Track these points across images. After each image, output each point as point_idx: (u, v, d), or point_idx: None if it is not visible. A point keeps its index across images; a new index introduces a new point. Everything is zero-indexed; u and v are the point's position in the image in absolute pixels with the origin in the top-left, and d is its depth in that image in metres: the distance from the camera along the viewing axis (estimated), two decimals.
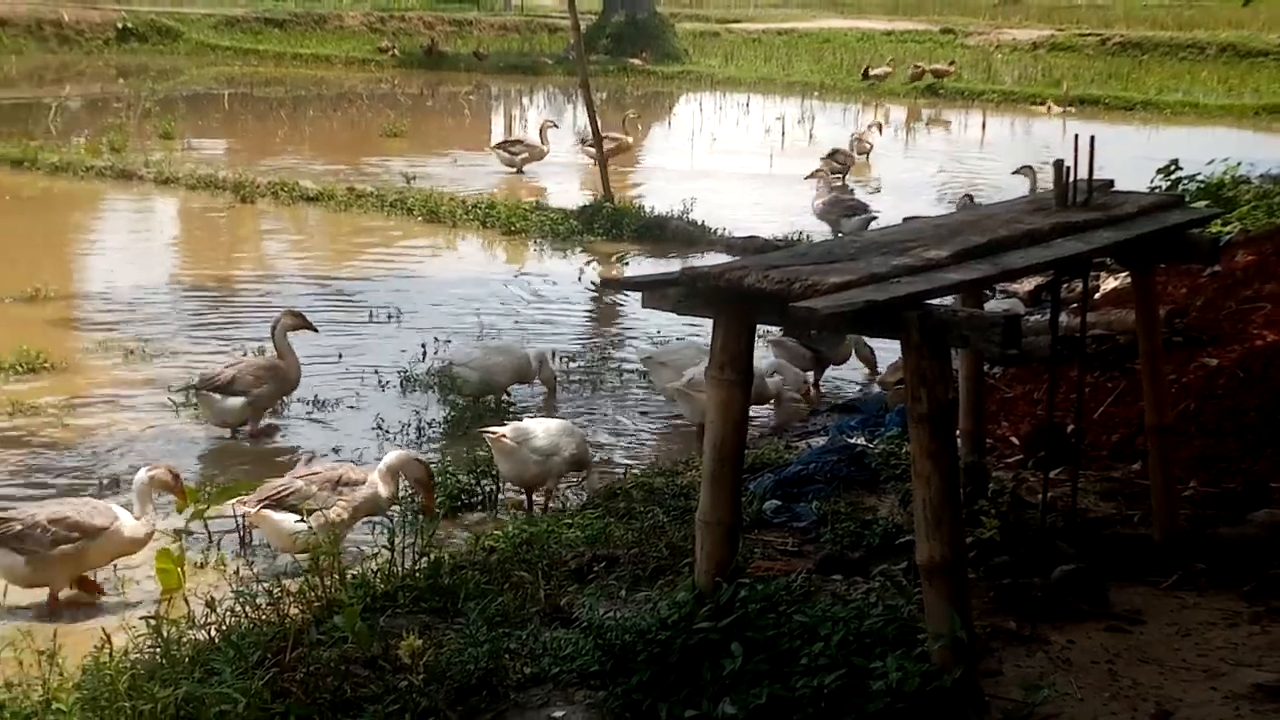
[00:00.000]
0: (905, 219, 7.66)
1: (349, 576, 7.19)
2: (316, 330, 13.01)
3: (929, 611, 5.73)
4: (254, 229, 22.18)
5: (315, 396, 12.57)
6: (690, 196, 21.54)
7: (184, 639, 6.43)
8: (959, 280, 5.88)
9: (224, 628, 6.54)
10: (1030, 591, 6.82)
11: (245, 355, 13.04)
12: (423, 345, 14.04)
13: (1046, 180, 19.69)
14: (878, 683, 5.55)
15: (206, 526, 9.30)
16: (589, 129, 24.09)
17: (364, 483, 9.26)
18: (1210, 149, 20.26)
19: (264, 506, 8.96)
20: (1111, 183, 7.78)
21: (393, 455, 9.44)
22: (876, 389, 13.03)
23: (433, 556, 7.38)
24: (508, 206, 21.84)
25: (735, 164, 28.75)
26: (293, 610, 6.79)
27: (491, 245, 20.74)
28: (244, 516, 9.17)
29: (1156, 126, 36.84)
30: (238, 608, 6.74)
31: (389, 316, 15.76)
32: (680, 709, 5.78)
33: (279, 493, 9.03)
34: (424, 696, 5.85)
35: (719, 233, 20.51)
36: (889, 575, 7.03)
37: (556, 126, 30.18)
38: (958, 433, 8.27)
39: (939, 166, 28.90)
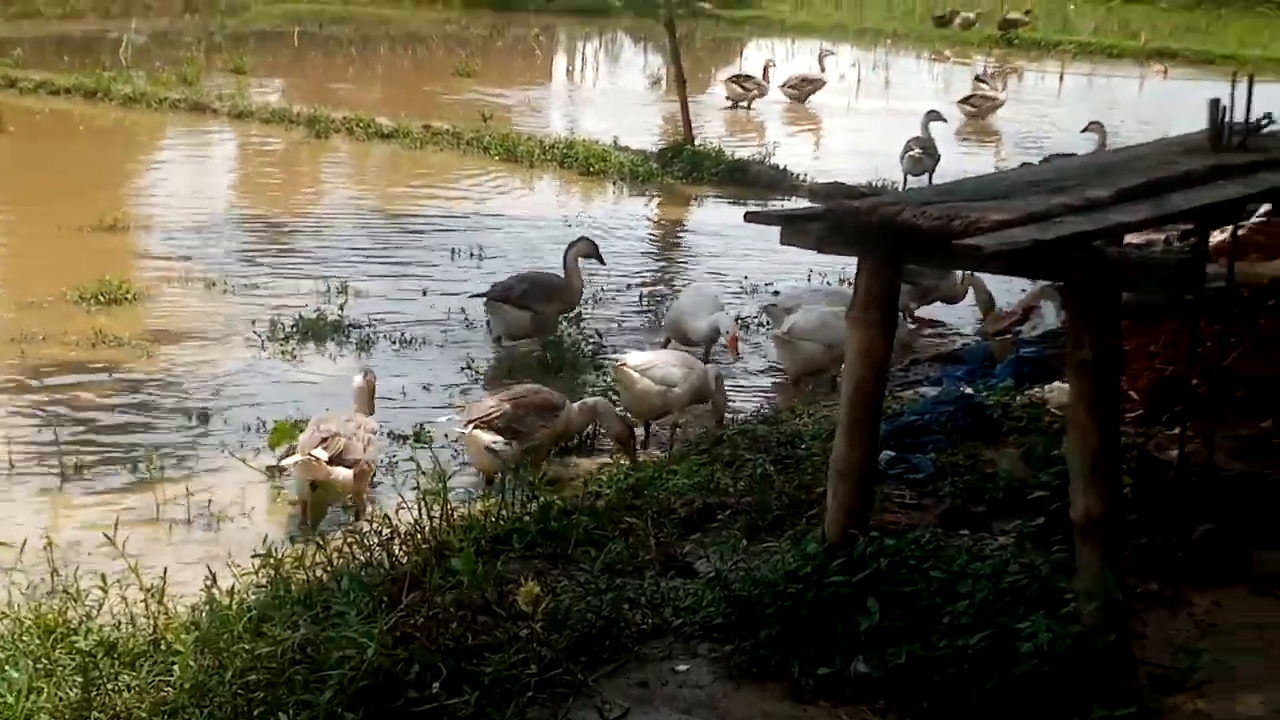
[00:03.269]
0: (1047, 158, 7.30)
1: (457, 518, 6.93)
2: (604, 263, 13.45)
3: (1081, 570, 5.42)
4: (329, 165, 21.95)
5: (403, 334, 12.31)
6: (772, 140, 21.16)
7: (294, 578, 6.19)
8: (1123, 221, 5.52)
9: (333, 568, 6.30)
10: (1170, 552, 6.49)
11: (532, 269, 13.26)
12: (471, 296, 13.75)
13: (1116, 139, 19.40)
14: (1025, 644, 5.24)
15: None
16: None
17: (563, 409, 9.34)
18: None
19: (475, 427, 8.96)
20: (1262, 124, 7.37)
21: (598, 401, 9.68)
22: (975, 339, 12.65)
23: (542, 500, 7.11)
24: (586, 147, 21.50)
25: (811, 110, 28.31)
26: (399, 552, 6.56)
27: (570, 185, 20.42)
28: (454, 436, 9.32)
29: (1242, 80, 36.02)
30: (347, 548, 6.50)
31: (471, 255, 15.49)
32: (812, 665, 5.50)
33: (489, 415, 9.02)
34: (544, 646, 5.58)
35: (801, 178, 20.15)
36: (1022, 531, 6.69)
37: (775, 66, 30.24)
38: None
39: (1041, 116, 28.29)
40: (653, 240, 17.94)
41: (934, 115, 20.55)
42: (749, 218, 5.96)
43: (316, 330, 12.16)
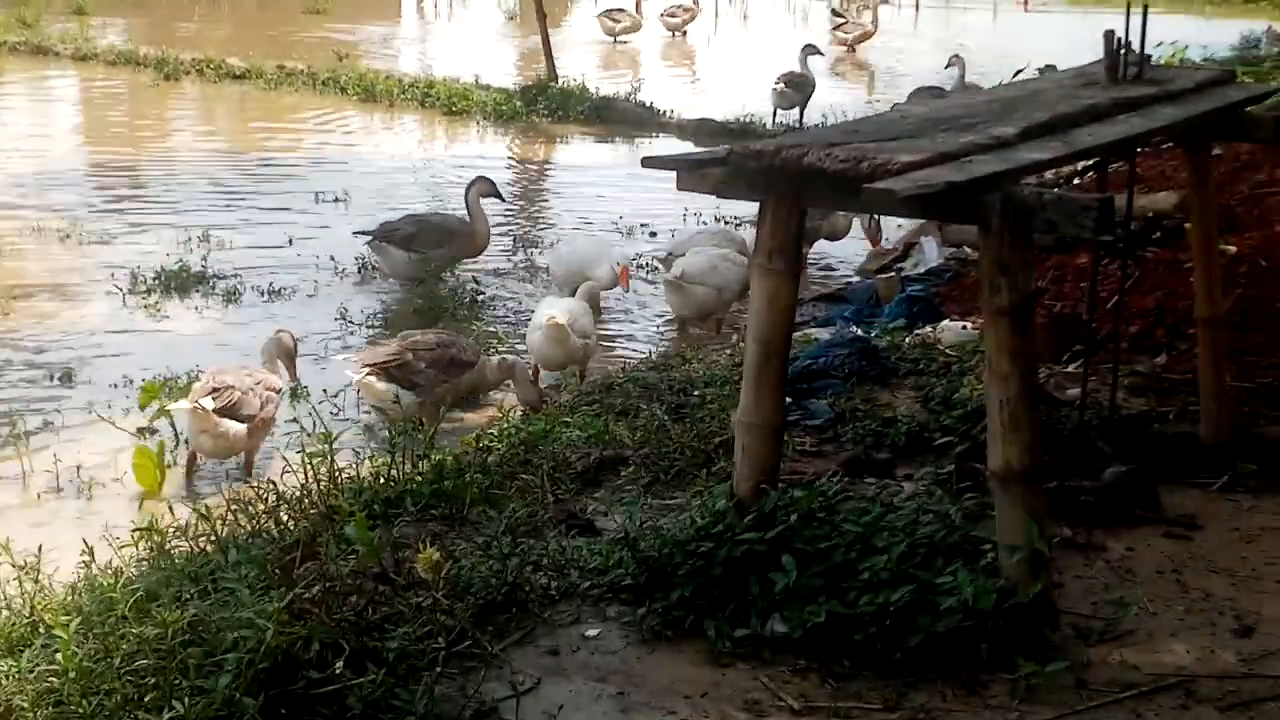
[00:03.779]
0: (914, 91, 7.12)
1: (345, 480, 6.63)
2: (504, 200, 13.25)
3: (1002, 521, 5.26)
4: (181, 108, 21.29)
5: (270, 284, 11.92)
6: (636, 77, 20.88)
7: (176, 551, 5.87)
8: (1036, 160, 5.36)
9: (218, 539, 5.97)
10: (1080, 495, 6.38)
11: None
12: (355, 233, 13.35)
13: (979, 74, 19.39)
14: (948, 599, 5.09)
15: (173, 425, 8.67)
16: None
17: (473, 365, 9.09)
18: (1155, 35, 19.73)
19: (370, 372, 8.67)
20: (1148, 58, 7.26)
21: (516, 361, 9.50)
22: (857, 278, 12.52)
23: (434, 459, 6.83)
24: (447, 86, 21.07)
25: (662, 44, 28.04)
26: (286, 519, 6.26)
27: (432, 125, 20.00)
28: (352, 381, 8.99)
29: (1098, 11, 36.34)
30: (231, 516, 6.17)
31: (335, 200, 15.08)
32: (729, 627, 5.31)
33: (385, 361, 8.74)
34: (449, 615, 5.32)
35: (668, 114, 19.91)
36: (933, 479, 6.54)
37: None
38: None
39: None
40: (522, 181, 17.60)
41: (811, 49, 20.40)
42: (647, 162, 5.70)
43: (180, 282, 11.75)
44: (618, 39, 27.48)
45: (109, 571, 5.65)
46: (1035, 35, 28.99)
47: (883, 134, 5.63)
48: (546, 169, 18.22)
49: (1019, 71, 19.21)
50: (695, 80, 23.84)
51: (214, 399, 8.15)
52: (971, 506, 5.97)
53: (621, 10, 28.12)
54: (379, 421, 8.99)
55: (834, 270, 13.11)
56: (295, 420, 7.53)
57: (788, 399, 7.89)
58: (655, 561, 5.65)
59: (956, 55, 20.22)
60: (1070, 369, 8.06)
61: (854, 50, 26.72)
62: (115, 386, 9.53)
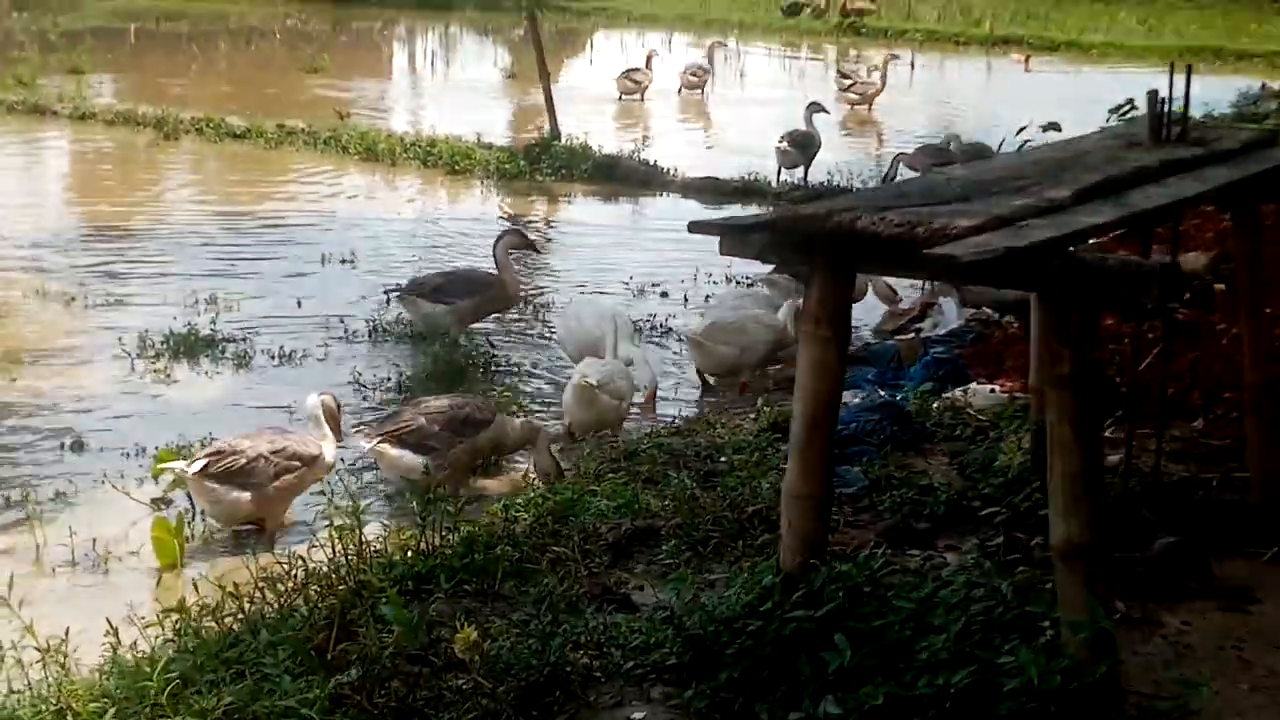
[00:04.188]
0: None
1: (374, 553, 6.44)
2: (539, 251, 13.42)
3: (1064, 598, 5.09)
4: (182, 168, 21.15)
5: (281, 348, 11.71)
6: (641, 135, 20.78)
7: (204, 630, 5.68)
8: (1093, 224, 5.19)
9: (247, 617, 5.78)
10: (1131, 568, 6.19)
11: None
12: (385, 291, 13.19)
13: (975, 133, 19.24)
14: (1010, 681, 4.89)
15: (189, 496, 8.47)
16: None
17: (489, 424, 8.87)
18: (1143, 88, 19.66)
19: (382, 441, 8.54)
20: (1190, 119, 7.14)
21: (542, 427, 9.29)
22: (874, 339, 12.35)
23: (463, 531, 6.65)
24: (449, 144, 20.96)
25: (669, 103, 28.01)
26: (315, 595, 6.07)
27: (435, 185, 19.86)
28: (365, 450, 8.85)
29: (1081, 67, 36.39)
30: (258, 592, 5.98)
31: (343, 260, 14.91)
32: (781, 710, 5.11)
33: (399, 429, 8.61)
34: (489, 698, 5.14)
35: (672, 173, 19.80)
36: (982, 552, 6.36)
37: (658, 55, 30.05)
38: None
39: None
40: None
41: (816, 107, 20.30)
42: (693, 228, 5.53)
43: (189, 346, 11.52)
44: (642, 98, 27.48)
45: (136, 654, 5.45)
46: (1032, 92, 28.99)
47: (932, 197, 5.49)
48: (553, 227, 18.06)
49: (1022, 129, 19.23)
50: (692, 139, 23.74)
51: (208, 463, 8.05)
52: (1021, 579, 5.79)
53: (638, 70, 28.11)
54: (402, 491, 8.80)
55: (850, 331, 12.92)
56: (322, 492, 7.28)
57: None
58: (701, 640, 5.47)
59: (955, 134, 20.13)
60: (1107, 433, 7.88)
61: (871, 108, 26.71)
62: (127, 455, 9.32)
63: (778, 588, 5.52)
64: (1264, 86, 23.86)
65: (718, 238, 5.67)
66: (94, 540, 7.92)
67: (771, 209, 5.55)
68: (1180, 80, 6.50)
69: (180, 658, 5.23)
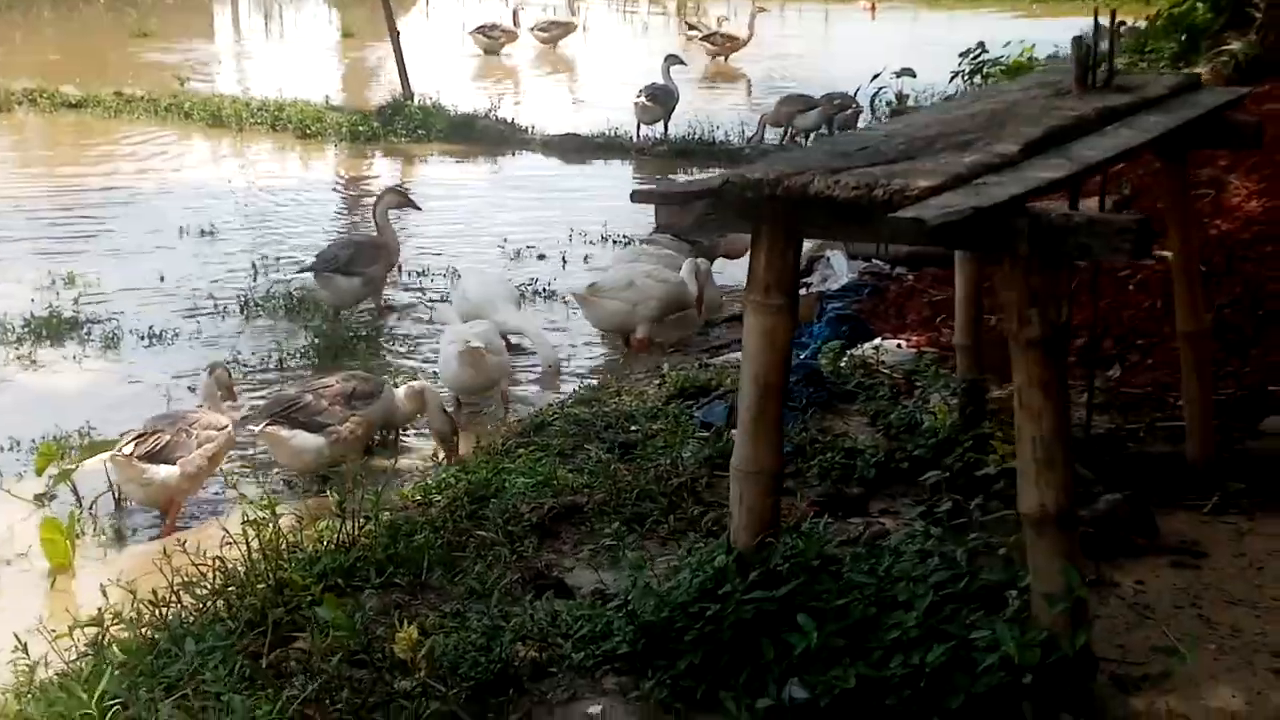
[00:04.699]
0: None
1: (287, 544, 6.08)
2: (420, 209, 13.06)
3: (1037, 568, 4.89)
4: (18, 140, 20.29)
5: (150, 328, 11.17)
6: (496, 93, 20.37)
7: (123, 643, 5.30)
8: (1050, 178, 4.97)
9: (166, 625, 5.41)
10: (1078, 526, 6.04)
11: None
12: (253, 264, 12.73)
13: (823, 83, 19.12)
14: (987, 657, 4.71)
15: (75, 489, 8.00)
16: None
17: (378, 395, 8.59)
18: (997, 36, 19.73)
19: (271, 423, 8.14)
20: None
21: (425, 385, 8.99)
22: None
23: (384, 519, 6.32)
24: (298, 108, 20.37)
25: (527, 59, 27.62)
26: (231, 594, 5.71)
27: (287, 150, 19.29)
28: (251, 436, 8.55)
29: (920, 11, 36.53)
30: (172, 596, 5.61)
31: (202, 231, 14.34)
32: (748, 697, 4.88)
33: (288, 407, 8.21)
34: (439, 700, 4.84)
35: (530, 131, 19.44)
36: (932, 517, 6.16)
37: (524, 9, 29.88)
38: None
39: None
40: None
41: (673, 59, 20.09)
42: (636, 197, 5.25)
43: (52, 329, 10.97)
44: (495, 54, 27.04)
45: (52, 671, 5.06)
46: (880, 40, 28.98)
47: (878, 156, 5.26)
48: (416, 190, 17.55)
49: (876, 76, 19.19)
50: (559, 94, 23.36)
51: (136, 445, 7.74)
52: (976, 546, 5.62)
53: (496, 26, 27.64)
54: (300, 480, 8.44)
55: (734, 289, 12.63)
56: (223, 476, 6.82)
57: (734, 429, 7.57)
58: (654, 627, 5.21)
59: (908, 68, 20.09)
60: None
61: (725, 58, 26.56)
62: (1, 450, 8.79)
63: (731, 568, 5.28)
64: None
65: (652, 206, 5.44)
66: None
67: (715, 174, 5.26)
68: (1111, 24, 6.33)
69: (109, 675, 4.83)
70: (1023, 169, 5.05)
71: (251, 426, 8.42)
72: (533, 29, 28.81)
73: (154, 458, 7.81)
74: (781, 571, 5.23)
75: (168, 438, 7.86)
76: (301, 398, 8.36)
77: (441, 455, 8.59)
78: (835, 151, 5.51)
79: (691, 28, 27.72)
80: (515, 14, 28.58)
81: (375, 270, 11.61)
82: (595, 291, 10.72)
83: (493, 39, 27.55)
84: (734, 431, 7.58)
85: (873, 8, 36.80)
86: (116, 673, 4.84)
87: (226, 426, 8.30)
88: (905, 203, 4.63)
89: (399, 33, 21.23)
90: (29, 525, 7.66)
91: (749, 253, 5.36)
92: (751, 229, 5.29)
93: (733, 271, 12.64)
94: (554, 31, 28.82)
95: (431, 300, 12.08)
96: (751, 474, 5.39)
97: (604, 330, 11.17)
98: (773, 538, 5.35)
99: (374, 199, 12.37)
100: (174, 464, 7.85)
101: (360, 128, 19.53)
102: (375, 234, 12.04)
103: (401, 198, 12.47)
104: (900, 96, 20.96)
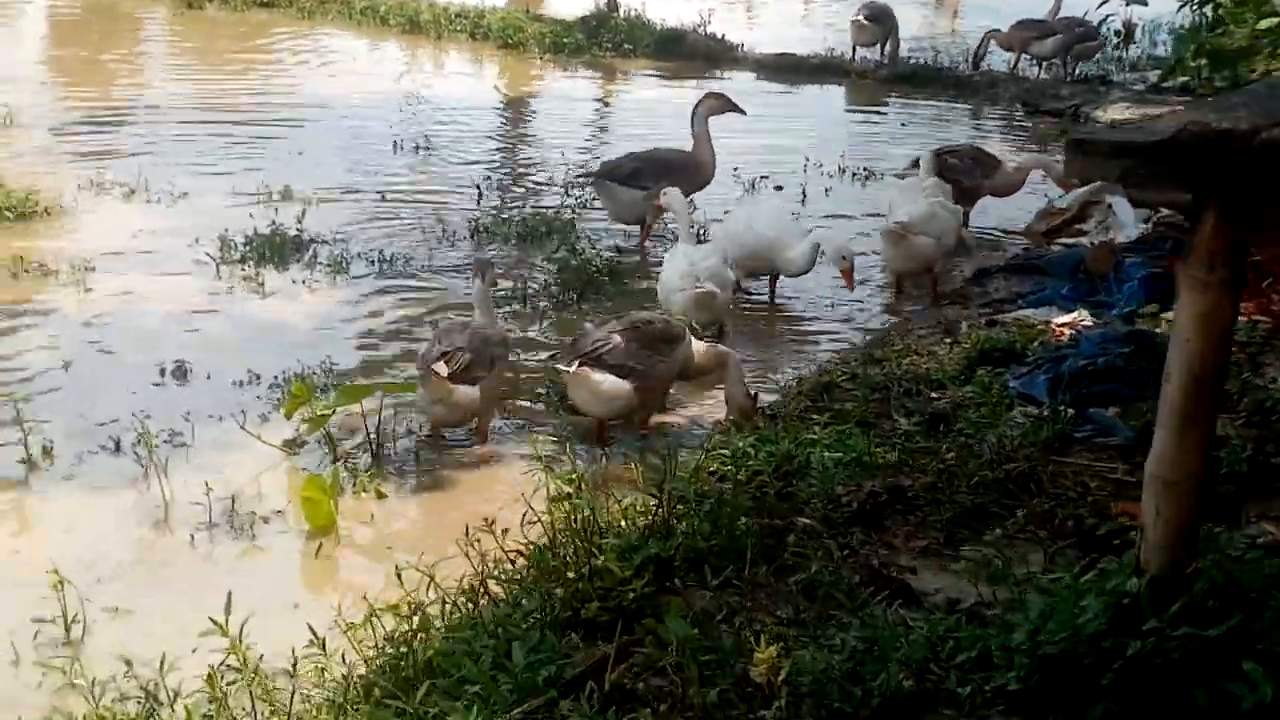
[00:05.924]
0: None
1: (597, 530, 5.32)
2: (745, 113, 11.85)
3: None
4: (217, 41, 19.66)
5: (380, 252, 10.47)
6: (706, 6, 19.46)
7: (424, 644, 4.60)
8: None
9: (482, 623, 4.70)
10: None
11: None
12: (477, 186, 11.99)
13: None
14: None
15: (330, 438, 7.31)
16: None
17: (683, 339, 7.90)
18: None
19: (583, 364, 7.48)
20: None
21: (730, 352, 8.08)
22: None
23: (710, 502, 5.53)
24: (499, 16, 19.60)
25: None
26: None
27: (489, 61, 18.57)
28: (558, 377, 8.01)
29: None
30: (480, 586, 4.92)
31: (417, 147, 13.66)
32: None
33: (597, 349, 7.55)
34: None
35: (742, 49, 18.53)
36: None
37: None
38: None
39: None
40: (611, 125, 16.14)
41: None
42: (1078, 147, 4.37)
43: (276, 249, 10.29)
44: None
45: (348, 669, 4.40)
46: None
47: None
48: (629, 110, 16.73)
49: (1104, 2, 18.00)
50: (770, 10, 22.38)
51: (445, 364, 7.25)
52: None
53: None
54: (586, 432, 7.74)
55: (989, 232, 11.67)
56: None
57: (1069, 408, 6.71)
58: (1057, 661, 4.39)
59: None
60: None
61: None
62: (240, 385, 8.10)
63: (1144, 595, 4.43)
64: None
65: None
66: (232, 499, 6.68)
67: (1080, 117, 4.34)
68: None
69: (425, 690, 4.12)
70: None
71: (562, 366, 7.72)
72: None
73: (458, 378, 7.31)
74: (1206, 603, 4.40)
75: (469, 356, 7.35)
76: (610, 338, 7.63)
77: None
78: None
79: None
80: None
81: (665, 187, 10.35)
82: (909, 228, 9.74)
83: None
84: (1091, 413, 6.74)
85: None
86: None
87: (504, 338, 8.00)
88: None
89: None
90: (278, 476, 7.01)
91: (1185, 217, 4.47)
92: (1197, 191, 4.40)
93: (1000, 209, 11.69)
94: None
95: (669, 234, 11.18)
96: (1174, 483, 4.53)
97: (906, 271, 10.18)
98: (1191, 557, 4.50)
99: (693, 104, 11.52)
100: (473, 383, 7.41)
101: (564, 39, 18.77)
102: (680, 148, 11.31)
103: (724, 102, 11.50)
104: (1127, 25, 19.80)
